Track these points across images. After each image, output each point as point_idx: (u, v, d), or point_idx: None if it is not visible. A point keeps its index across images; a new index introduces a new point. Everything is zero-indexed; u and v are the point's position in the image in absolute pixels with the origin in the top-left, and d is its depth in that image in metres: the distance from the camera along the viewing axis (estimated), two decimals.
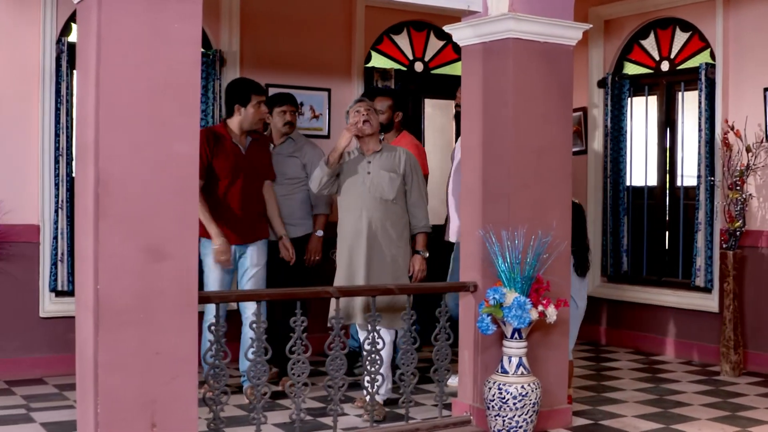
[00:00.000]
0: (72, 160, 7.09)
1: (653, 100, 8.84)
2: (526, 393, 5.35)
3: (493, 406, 5.40)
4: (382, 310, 5.70)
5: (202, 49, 7.31)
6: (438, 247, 7.12)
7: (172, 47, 4.51)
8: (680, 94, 8.58)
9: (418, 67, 9.04)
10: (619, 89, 8.93)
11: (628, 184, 8.96)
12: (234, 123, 6.49)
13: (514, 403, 5.34)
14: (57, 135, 7.13)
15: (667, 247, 8.80)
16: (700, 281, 8.08)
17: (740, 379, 7.40)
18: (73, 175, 6.84)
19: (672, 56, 8.64)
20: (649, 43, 8.86)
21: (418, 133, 9.01)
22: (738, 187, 7.52)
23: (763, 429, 5.86)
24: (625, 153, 8.94)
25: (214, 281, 6.35)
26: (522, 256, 5.41)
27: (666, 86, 8.71)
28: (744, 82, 7.83)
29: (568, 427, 5.86)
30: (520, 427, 5.36)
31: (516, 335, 5.40)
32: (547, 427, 5.75)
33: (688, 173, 8.52)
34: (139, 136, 4.43)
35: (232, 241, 6.36)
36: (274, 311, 6.62)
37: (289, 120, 7.02)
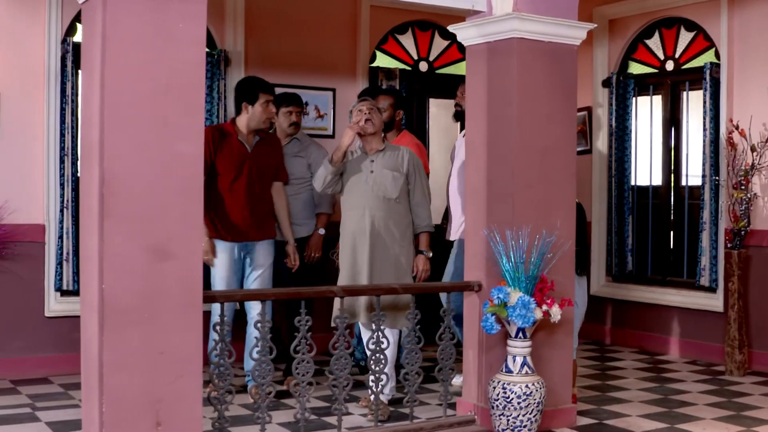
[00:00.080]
0: (77, 159, 7.10)
1: (658, 99, 8.84)
2: (531, 392, 5.36)
3: (497, 406, 5.40)
4: (385, 310, 5.71)
5: (207, 49, 7.30)
6: (441, 246, 7.12)
7: (176, 47, 4.52)
8: (685, 93, 8.57)
9: (423, 66, 9.05)
10: (623, 89, 8.93)
11: (632, 183, 8.96)
12: (242, 121, 6.48)
13: (519, 403, 5.34)
14: (62, 135, 7.15)
15: (671, 247, 8.80)
16: (704, 281, 8.08)
17: (745, 379, 7.40)
18: (79, 174, 6.87)
19: (677, 56, 8.64)
20: (654, 43, 8.86)
21: (422, 132, 9.03)
22: (743, 187, 7.52)
23: None
24: (630, 152, 8.93)
25: (220, 280, 6.36)
26: (526, 255, 5.41)
27: (671, 86, 8.70)
28: (749, 82, 7.83)
29: (573, 426, 5.87)
30: (525, 426, 5.36)
31: (520, 335, 5.40)
32: (551, 426, 5.75)
33: (693, 173, 8.52)
34: (143, 136, 4.45)
35: (234, 239, 6.36)
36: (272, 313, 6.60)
37: (294, 120, 7.04)
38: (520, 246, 5.42)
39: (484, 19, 5.82)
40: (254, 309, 6.12)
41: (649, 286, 8.76)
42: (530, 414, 5.37)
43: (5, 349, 7.05)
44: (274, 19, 8.16)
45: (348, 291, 5.58)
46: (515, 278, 5.38)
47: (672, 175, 8.74)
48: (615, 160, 8.93)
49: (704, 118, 8.06)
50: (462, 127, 6.98)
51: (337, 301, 5.62)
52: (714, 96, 8.01)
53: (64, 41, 7.16)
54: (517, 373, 5.40)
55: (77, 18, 7.17)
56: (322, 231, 7.06)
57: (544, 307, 5.36)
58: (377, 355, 5.50)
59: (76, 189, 7.08)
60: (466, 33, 5.98)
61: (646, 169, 8.91)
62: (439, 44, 9.10)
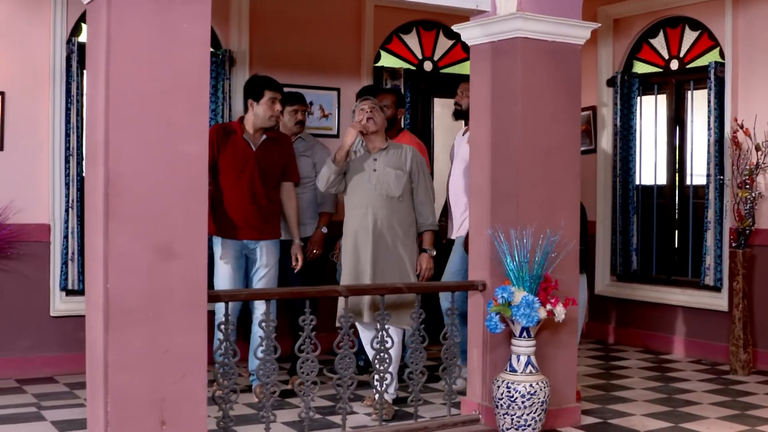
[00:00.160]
0: (82, 159, 7.11)
1: (662, 98, 8.83)
2: (535, 391, 5.36)
3: (501, 405, 5.40)
4: (388, 309, 5.71)
5: (212, 49, 7.34)
6: (444, 245, 7.12)
7: (181, 48, 4.53)
8: (689, 92, 8.57)
9: (428, 66, 9.05)
10: (628, 88, 8.92)
11: (637, 182, 8.95)
12: (248, 119, 6.48)
13: (523, 402, 5.35)
14: (67, 135, 7.16)
15: (676, 246, 8.80)
16: (709, 280, 8.07)
17: (750, 378, 7.39)
18: (84, 174, 6.88)
19: (681, 55, 8.63)
20: (659, 42, 8.86)
21: (427, 132, 9.04)
22: (747, 186, 7.52)
23: None
24: (635, 152, 8.93)
25: (222, 278, 6.36)
26: (530, 255, 5.42)
27: (675, 85, 8.70)
28: (753, 81, 7.82)
29: (577, 425, 5.87)
30: (529, 425, 5.37)
31: (524, 334, 5.40)
32: (555, 425, 5.76)
33: (698, 172, 8.51)
34: (148, 135, 4.46)
35: (235, 237, 6.37)
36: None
37: (300, 119, 7.06)
38: (525, 245, 5.43)
39: (488, 19, 5.82)
40: (258, 309, 6.12)
41: (654, 286, 8.76)
42: (534, 413, 5.37)
43: (11, 349, 7.07)
44: (279, 19, 8.17)
45: (353, 290, 5.58)
46: (519, 277, 5.39)
47: (677, 175, 8.73)
48: (620, 160, 8.93)
49: (709, 118, 8.05)
50: (464, 124, 6.98)
51: (341, 300, 5.62)
52: (718, 95, 8.00)
53: (69, 41, 7.18)
54: (522, 373, 5.40)
55: (82, 18, 7.19)
56: (324, 229, 7.07)
57: (548, 307, 5.36)
58: (381, 354, 5.51)
59: (81, 189, 7.09)
60: (470, 33, 5.99)
61: (650, 168, 8.91)
62: (444, 44, 9.11)
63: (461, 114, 7.04)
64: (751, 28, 7.87)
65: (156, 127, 4.47)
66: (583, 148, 8.35)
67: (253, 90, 6.45)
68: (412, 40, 8.96)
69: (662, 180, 8.83)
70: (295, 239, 6.64)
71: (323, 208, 7.09)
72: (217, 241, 6.35)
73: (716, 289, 8.07)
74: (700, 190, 8.41)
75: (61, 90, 7.16)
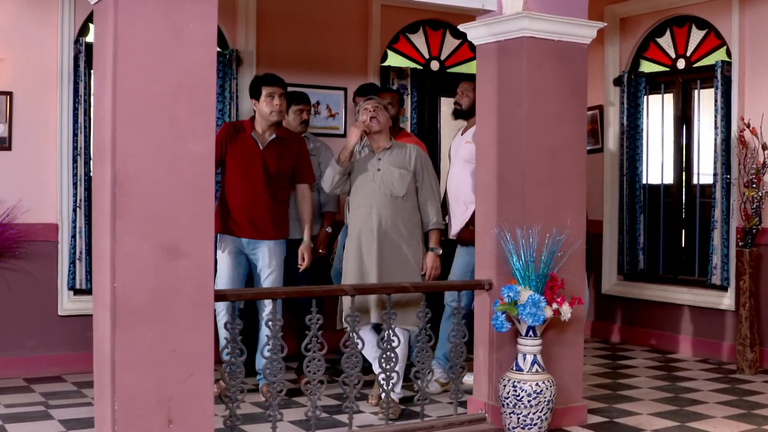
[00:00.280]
0: (90, 159, 7.13)
1: (669, 98, 8.83)
2: (541, 390, 5.37)
3: (507, 404, 5.41)
4: (394, 308, 5.70)
5: (219, 49, 7.36)
6: (449, 244, 7.13)
7: (187, 48, 4.54)
8: (696, 91, 8.57)
9: (434, 65, 9.06)
10: (635, 87, 8.92)
11: (644, 182, 8.95)
12: (257, 119, 6.52)
13: (529, 401, 5.35)
14: (75, 134, 7.19)
15: (683, 245, 8.79)
16: (716, 279, 8.07)
17: (756, 377, 7.38)
18: (91, 174, 6.91)
19: (688, 54, 8.63)
20: (665, 41, 8.85)
21: (434, 131, 9.05)
22: (754, 185, 7.51)
23: None
24: (641, 151, 8.92)
25: (221, 274, 6.37)
26: (536, 254, 5.43)
27: (682, 84, 8.69)
28: (760, 80, 7.81)
29: (583, 424, 5.87)
30: (535, 424, 5.38)
31: (530, 333, 5.41)
32: (561, 424, 5.76)
33: (705, 171, 8.51)
34: (155, 135, 4.47)
35: (238, 235, 6.39)
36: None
37: (305, 119, 7.08)
38: (531, 244, 5.44)
39: (494, 19, 5.83)
40: (265, 310, 6.12)
41: (661, 285, 8.76)
42: (540, 412, 5.38)
43: (19, 348, 7.09)
44: (286, 18, 8.18)
45: (359, 290, 5.59)
46: (525, 277, 5.40)
47: (683, 174, 8.73)
48: (626, 159, 8.93)
49: (715, 117, 8.05)
50: (467, 121, 6.98)
51: (346, 300, 5.63)
52: (725, 94, 8.00)
53: (76, 41, 7.20)
54: (528, 372, 5.41)
55: (90, 18, 7.21)
56: (329, 229, 7.09)
57: (555, 306, 5.37)
58: (388, 353, 5.52)
59: (88, 188, 7.10)
60: (476, 32, 5.99)
61: (657, 167, 8.90)
62: (451, 43, 9.12)
63: (461, 113, 7.05)
64: (758, 27, 7.86)
65: (163, 127, 4.49)
66: (589, 148, 8.35)
67: (253, 90, 6.52)
68: (419, 40, 8.97)
69: (669, 179, 8.83)
70: (305, 240, 6.64)
71: (327, 208, 7.12)
72: (219, 238, 6.38)
73: (723, 288, 8.07)
74: (706, 189, 8.40)
75: (68, 90, 7.18)
